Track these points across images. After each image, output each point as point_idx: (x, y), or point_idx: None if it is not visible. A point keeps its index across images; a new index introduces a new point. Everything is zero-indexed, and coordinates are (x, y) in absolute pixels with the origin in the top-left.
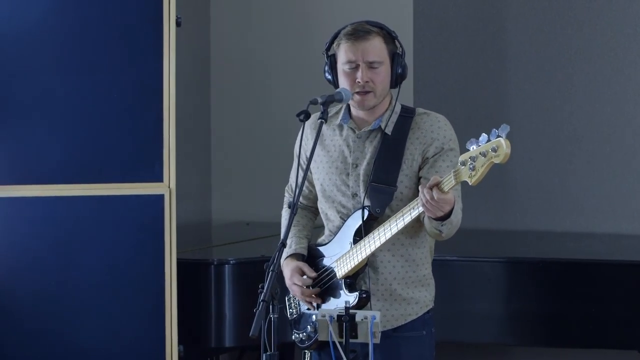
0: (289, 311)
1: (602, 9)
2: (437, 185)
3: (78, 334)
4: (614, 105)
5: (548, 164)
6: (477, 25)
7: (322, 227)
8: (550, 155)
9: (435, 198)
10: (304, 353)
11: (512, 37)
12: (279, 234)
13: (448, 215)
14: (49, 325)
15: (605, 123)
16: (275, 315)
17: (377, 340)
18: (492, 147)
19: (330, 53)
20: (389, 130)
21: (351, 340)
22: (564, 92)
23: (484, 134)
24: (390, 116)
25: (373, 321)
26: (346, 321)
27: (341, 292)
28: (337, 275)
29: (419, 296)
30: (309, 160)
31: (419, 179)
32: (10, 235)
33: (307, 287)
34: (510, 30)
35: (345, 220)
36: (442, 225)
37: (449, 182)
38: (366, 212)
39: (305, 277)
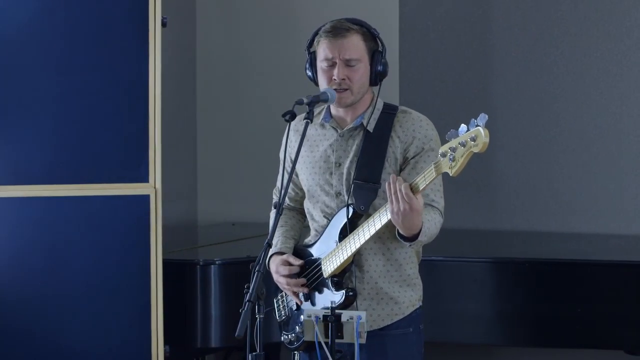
0: (278, 313)
1: (588, 10)
2: (411, 186)
3: (64, 334)
4: (600, 105)
5: (535, 164)
6: (464, 25)
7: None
8: (537, 155)
9: (404, 192)
10: (293, 354)
11: (498, 37)
12: (265, 235)
13: (416, 236)
14: (35, 326)
15: (592, 123)
16: (261, 316)
17: (363, 341)
18: (470, 136)
19: (311, 50)
20: (370, 128)
21: (337, 341)
22: (550, 92)
23: (463, 124)
24: (372, 113)
25: (359, 321)
26: (332, 321)
27: (328, 290)
28: (324, 274)
29: (404, 295)
30: (294, 161)
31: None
32: None
33: (294, 277)
34: (496, 30)
35: (329, 220)
36: (409, 246)
37: (429, 174)
38: (351, 210)
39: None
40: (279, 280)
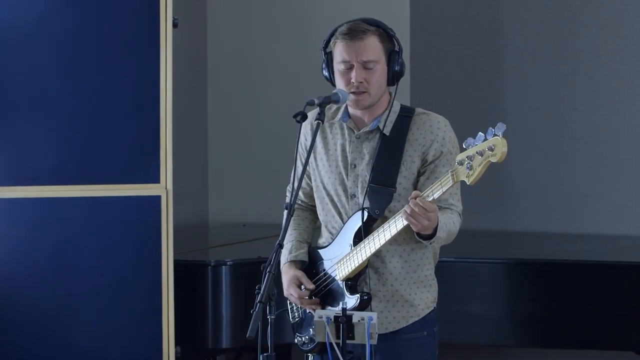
0: (291, 314)
1: (598, 11)
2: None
3: (75, 335)
4: (609, 107)
5: (544, 164)
6: (474, 25)
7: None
8: (546, 156)
9: (422, 205)
10: (307, 356)
11: (508, 38)
12: (276, 235)
13: (433, 234)
14: (46, 327)
15: (601, 124)
16: (272, 317)
17: (374, 342)
18: (488, 145)
19: (327, 50)
20: (387, 131)
21: (348, 342)
22: (559, 92)
23: (480, 132)
24: (389, 116)
25: (370, 322)
26: (343, 322)
27: (342, 294)
28: (338, 277)
29: (420, 297)
30: (308, 154)
31: (417, 180)
32: (6, 236)
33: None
34: (506, 30)
35: (343, 222)
36: (430, 243)
37: (446, 182)
38: (365, 214)
39: (303, 288)
40: (289, 297)
